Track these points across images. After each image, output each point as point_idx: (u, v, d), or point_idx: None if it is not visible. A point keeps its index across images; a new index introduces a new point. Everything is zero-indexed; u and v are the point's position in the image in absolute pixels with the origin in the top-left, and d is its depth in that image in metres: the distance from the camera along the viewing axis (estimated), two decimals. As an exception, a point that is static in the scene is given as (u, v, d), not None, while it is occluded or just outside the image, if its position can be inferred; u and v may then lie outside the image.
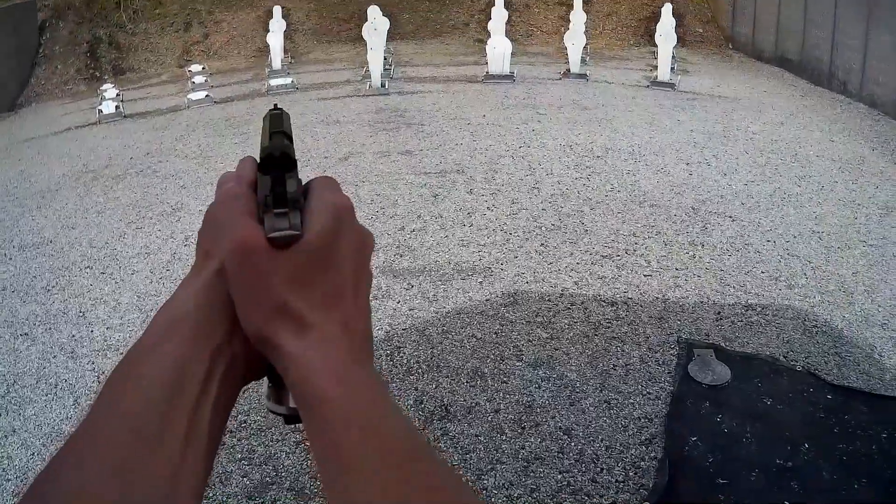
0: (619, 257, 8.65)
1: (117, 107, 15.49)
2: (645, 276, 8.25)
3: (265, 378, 0.85)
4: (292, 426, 0.84)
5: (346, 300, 0.81)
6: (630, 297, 7.85)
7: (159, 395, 0.74)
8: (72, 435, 0.74)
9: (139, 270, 8.77)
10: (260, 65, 18.18)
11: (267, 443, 5.94)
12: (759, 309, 7.63)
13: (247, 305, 0.78)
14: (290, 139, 0.86)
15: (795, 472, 5.49)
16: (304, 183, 0.87)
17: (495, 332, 7.22)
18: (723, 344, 7.01)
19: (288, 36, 20.54)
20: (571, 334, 7.20)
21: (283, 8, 20.52)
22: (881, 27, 14.71)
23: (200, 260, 0.84)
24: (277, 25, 18.91)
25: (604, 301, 7.76)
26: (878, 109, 14.47)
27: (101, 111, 15.44)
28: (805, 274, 8.34)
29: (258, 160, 0.86)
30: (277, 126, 0.88)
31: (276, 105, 0.95)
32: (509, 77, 16.64)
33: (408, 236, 9.15)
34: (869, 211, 9.88)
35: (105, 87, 16.45)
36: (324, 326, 0.78)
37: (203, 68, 17.36)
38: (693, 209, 9.89)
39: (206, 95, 15.87)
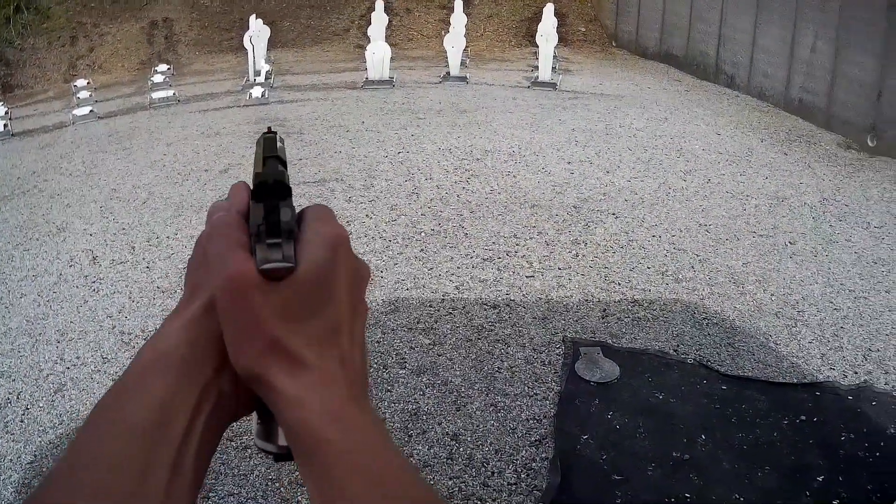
0: (500, 259, 8.70)
1: (5, 125, 15.19)
2: (527, 277, 8.31)
3: (254, 413, 0.85)
4: (282, 464, 0.87)
5: (342, 335, 0.81)
6: (512, 298, 7.90)
7: (144, 434, 0.74)
8: (50, 472, 0.74)
9: (27, 294, 8.55)
10: (143, 78, 17.95)
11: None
12: (646, 304, 7.77)
13: (238, 342, 0.78)
14: (285, 164, 0.86)
15: (693, 465, 5.59)
16: (297, 211, 0.87)
17: (377, 341, 7.20)
18: (610, 341, 7.10)
19: (170, 48, 20.54)
20: (454, 339, 7.22)
21: (163, 20, 20.69)
22: (770, 20, 15.14)
23: (188, 293, 0.83)
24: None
25: (486, 304, 7.80)
26: (766, 101, 14.88)
27: (-12, 130, 15.14)
28: (693, 267, 8.53)
29: (250, 186, 0.86)
30: (271, 150, 0.87)
31: (269, 128, 0.93)
32: (388, 82, 16.69)
33: None
34: (758, 202, 10.14)
35: (-7, 104, 16.17)
36: (320, 365, 0.78)
37: (88, 83, 17.07)
38: (575, 208, 10.01)
39: (91, 111, 15.63)
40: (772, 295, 7.94)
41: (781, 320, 7.50)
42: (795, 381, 6.58)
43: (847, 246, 9.05)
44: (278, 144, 0.89)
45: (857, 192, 10.55)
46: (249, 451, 5.88)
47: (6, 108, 15.64)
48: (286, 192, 0.82)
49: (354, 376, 0.81)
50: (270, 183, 0.82)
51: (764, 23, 15.37)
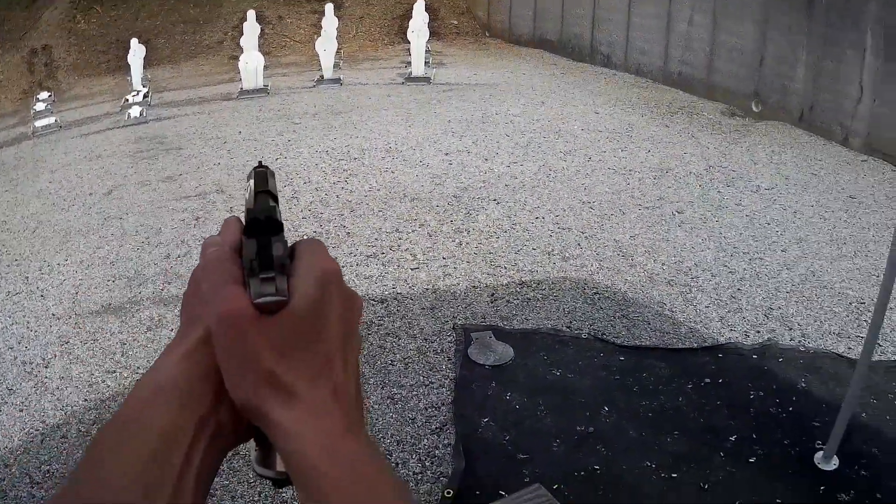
0: (383, 255, 8.55)
1: None
2: (412, 269, 8.16)
3: (252, 441, 0.86)
4: (282, 489, 0.81)
5: (335, 367, 0.82)
6: (399, 292, 7.75)
7: (144, 465, 0.75)
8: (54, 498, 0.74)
9: None
10: (26, 106, 17.69)
11: None
12: (535, 285, 7.65)
13: (234, 375, 0.79)
14: (276, 199, 0.87)
15: (599, 437, 5.45)
16: (289, 245, 0.86)
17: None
18: (501, 324, 6.95)
19: (51, 74, 20.33)
20: (343, 336, 7.02)
21: (42, 47, 20.75)
22: (643, -1, 15.24)
23: (185, 326, 0.84)
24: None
25: (373, 299, 7.64)
26: (644, 77, 14.96)
27: None
28: (579, 244, 8.43)
29: (242, 221, 0.88)
30: (262, 185, 0.88)
31: (260, 162, 0.96)
32: (263, 90, 16.69)
33: (174, 263, 8.96)
34: (642, 175, 10.11)
35: None
36: (314, 397, 0.79)
37: None
38: (455, 197, 9.88)
39: None
40: (662, 264, 7.85)
41: (675, 288, 7.41)
42: (696, 345, 6.47)
43: (737, 210, 9.02)
44: (269, 180, 0.90)
45: (745, 157, 10.57)
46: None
47: None
48: (278, 227, 0.82)
49: (348, 407, 0.82)
50: (262, 219, 0.82)
51: (638, 2, 15.45)
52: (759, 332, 6.66)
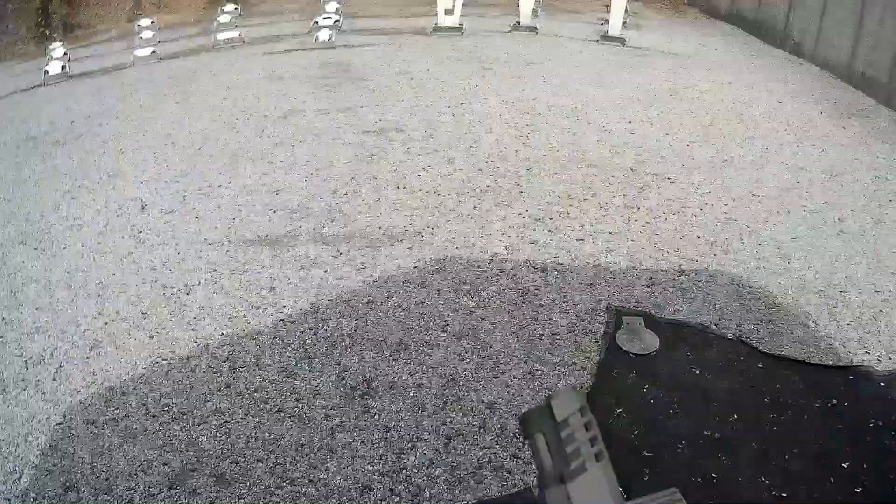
0: (552, 220, 8.63)
1: (63, 67, 15.22)
2: (577, 240, 8.25)
3: None
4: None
5: None
6: (561, 262, 7.83)
7: None
8: None
9: (70, 245, 8.55)
10: (210, 16, 17.91)
11: (188, 427, 5.84)
12: (693, 274, 7.69)
13: None
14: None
15: (723, 444, 5.53)
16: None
17: (421, 302, 7.18)
18: (653, 311, 7.05)
19: None
20: (498, 302, 7.17)
21: None
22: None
23: None
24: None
25: (534, 267, 7.74)
26: (830, 72, 14.59)
27: (47, 72, 15.16)
28: (742, 239, 8.41)
29: None
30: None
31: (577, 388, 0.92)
32: (458, 29, 16.60)
33: (340, 199, 9.04)
34: (812, 175, 9.97)
35: (53, 45, 16.21)
36: None
37: (152, 22, 17.11)
38: (632, 170, 9.92)
39: (153, 52, 15.67)
40: (816, 273, 7.81)
41: (823, 299, 7.38)
42: (830, 362, 6.48)
43: (894, 227, 8.89)
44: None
45: (911, 174, 10.37)
46: (282, 414, 5.90)
47: (65, 50, 15.65)
48: None
49: None
50: None
51: (833, -7, 15.09)
52: (891, 358, 6.59)
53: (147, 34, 16.40)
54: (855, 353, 6.63)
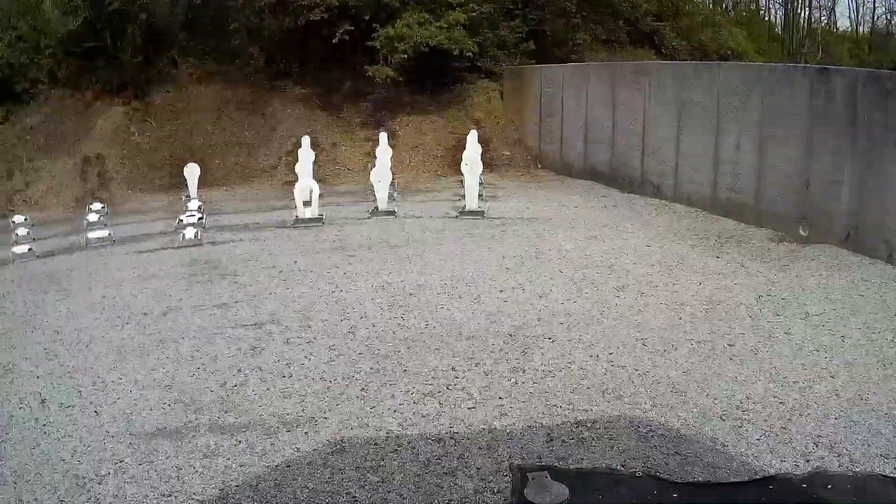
0: (440, 393, 8.72)
1: None
2: (469, 408, 8.34)
3: None
4: None
5: None
6: (456, 431, 7.91)
7: None
8: None
9: None
10: (78, 215, 18.07)
11: None
12: (590, 424, 7.82)
13: None
14: None
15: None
16: None
17: (326, 482, 7.15)
18: (557, 464, 7.11)
19: (104, 185, 21.05)
20: (402, 475, 7.18)
21: (95, 156, 21.66)
22: (692, 126, 15.56)
23: None
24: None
25: (430, 438, 7.79)
26: (694, 207, 15.16)
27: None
28: (633, 382, 8.64)
29: None
30: None
31: None
32: (318, 220, 16.98)
33: (230, 392, 9.05)
34: (693, 309, 10.33)
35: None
36: None
37: (25, 219, 17.21)
38: (510, 336, 10.12)
39: (30, 249, 15.76)
40: (715, 399, 8.04)
41: (727, 422, 7.59)
42: (747, 478, 6.62)
43: (787, 339, 9.21)
44: None
45: (794, 284, 10.77)
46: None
47: None
48: None
49: None
50: None
51: (686, 130, 15.78)
52: (808, 460, 6.83)
53: (22, 231, 16.48)
54: (770, 465, 6.82)
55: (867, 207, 12.14)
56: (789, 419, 7.55)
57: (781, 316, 9.83)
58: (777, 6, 55.25)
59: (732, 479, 6.66)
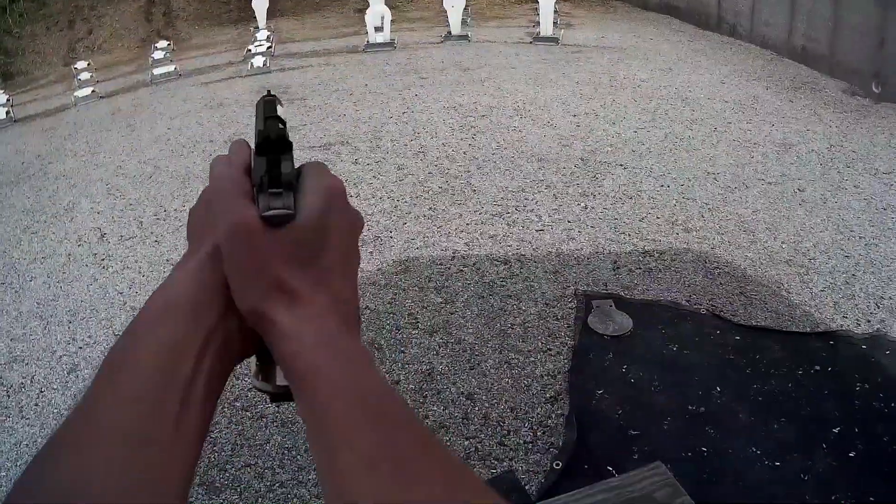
0: (508, 214, 8.58)
1: (7, 112, 15.14)
2: (537, 231, 8.19)
3: (253, 358, 0.90)
4: (279, 404, 0.92)
5: (334, 278, 0.87)
6: (523, 253, 7.78)
7: (154, 374, 0.79)
8: (69, 418, 0.78)
9: (36, 276, 8.54)
10: (144, 56, 17.86)
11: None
12: (657, 255, 7.64)
13: (243, 283, 0.83)
14: (284, 123, 0.89)
15: (709, 417, 5.46)
16: (297, 167, 0.90)
17: (389, 302, 7.10)
18: (622, 293, 6.98)
19: (169, 24, 20.61)
20: (466, 296, 7.12)
21: None
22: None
23: (193, 243, 0.89)
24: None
25: (496, 260, 7.69)
26: (769, 50, 14.68)
27: (-8, 118, 15.06)
28: (703, 216, 8.38)
29: (250, 144, 0.92)
30: (271, 111, 0.90)
31: (268, 91, 0.99)
32: (390, 44, 16.60)
33: None
34: (766, 149, 9.97)
35: (-6, 93, 16.08)
36: (316, 301, 0.83)
37: (88, 64, 17.01)
38: (582, 160, 9.87)
39: (92, 91, 15.62)
40: (782, 243, 7.79)
41: (793, 268, 7.35)
42: (809, 329, 6.44)
43: (856, 193, 8.88)
44: (278, 106, 0.92)
45: (864, 139, 10.37)
46: (265, 420, 5.83)
47: (7, 96, 15.66)
48: (287, 146, 0.86)
49: (345, 314, 0.86)
50: (273, 138, 0.85)
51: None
52: (869, 321, 6.56)
53: (85, 75, 16.33)
54: (833, 319, 6.59)
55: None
56: (853, 274, 7.26)
57: (851, 169, 9.46)
58: None
59: (794, 329, 6.49)
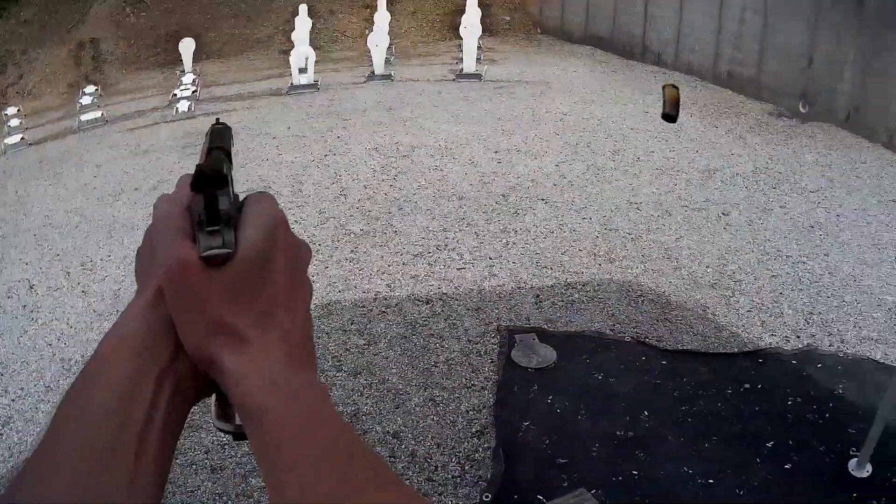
0: (430, 254, 8.59)
1: (22, 137, 15.12)
2: (458, 269, 8.20)
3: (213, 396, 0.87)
4: (241, 443, 0.86)
5: (281, 311, 0.84)
6: (445, 292, 7.80)
7: (108, 418, 0.76)
8: (33, 453, 0.76)
9: None
10: (72, 101, 17.81)
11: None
12: (580, 287, 7.68)
13: (185, 325, 0.81)
14: (229, 154, 0.89)
15: (638, 442, 5.50)
16: (240, 199, 0.90)
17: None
18: (545, 326, 6.99)
19: (98, 68, 20.61)
20: (389, 337, 7.12)
21: (89, 40, 21.22)
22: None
23: (141, 282, 0.86)
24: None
25: (419, 300, 7.70)
26: (694, 76, 14.85)
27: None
28: (625, 246, 8.46)
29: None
30: (217, 141, 0.91)
31: (217, 119, 0.98)
32: (313, 86, 16.64)
33: None
34: (689, 176, 10.10)
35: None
36: (260, 340, 0.81)
37: (18, 110, 16.96)
38: (503, 196, 9.92)
39: (21, 138, 15.59)
40: (707, 267, 7.87)
41: (718, 291, 7.43)
42: (736, 350, 6.48)
43: (782, 213, 9.00)
44: (225, 136, 0.92)
45: (791, 159, 10.52)
46: (195, 466, 5.78)
47: (20, 120, 15.68)
48: (224, 181, 0.84)
49: (294, 350, 0.83)
50: (209, 174, 0.83)
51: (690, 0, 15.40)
52: (799, 336, 6.66)
53: (14, 122, 16.29)
54: (761, 338, 6.68)
55: (870, 90, 11.83)
56: (781, 293, 7.37)
57: (777, 190, 9.60)
58: None
59: (721, 350, 6.53)
